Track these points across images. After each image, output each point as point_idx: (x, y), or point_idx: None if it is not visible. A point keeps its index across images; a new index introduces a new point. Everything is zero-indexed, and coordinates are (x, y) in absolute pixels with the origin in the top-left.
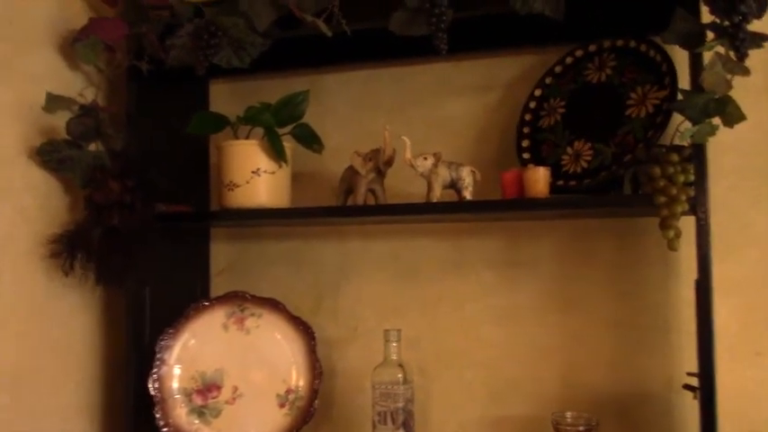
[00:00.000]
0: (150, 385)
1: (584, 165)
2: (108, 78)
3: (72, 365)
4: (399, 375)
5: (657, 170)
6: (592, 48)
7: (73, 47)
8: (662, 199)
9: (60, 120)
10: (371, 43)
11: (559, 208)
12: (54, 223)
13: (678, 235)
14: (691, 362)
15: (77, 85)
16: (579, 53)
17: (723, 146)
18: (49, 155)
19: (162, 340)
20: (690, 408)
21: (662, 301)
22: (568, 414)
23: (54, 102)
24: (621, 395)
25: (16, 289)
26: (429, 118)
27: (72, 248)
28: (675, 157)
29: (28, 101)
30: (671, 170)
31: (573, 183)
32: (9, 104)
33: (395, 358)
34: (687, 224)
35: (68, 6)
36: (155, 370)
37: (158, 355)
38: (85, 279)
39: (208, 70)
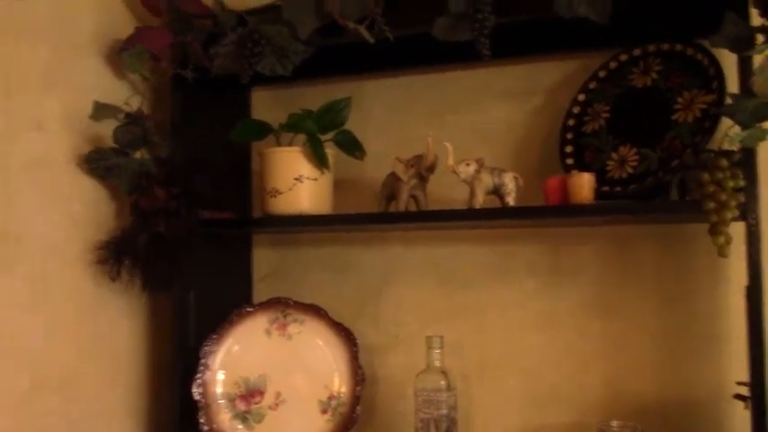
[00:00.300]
0: (195, 390)
1: (630, 170)
2: (153, 87)
3: (119, 370)
4: (442, 382)
5: (706, 176)
6: (637, 52)
7: (119, 56)
8: (711, 205)
9: (107, 128)
10: (412, 49)
11: (605, 214)
12: (101, 230)
13: (729, 241)
14: (741, 371)
15: (123, 94)
16: (624, 57)
17: None
18: (97, 162)
19: (206, 345)
20: (740, 418)
21: (710, 308)
22: (614, 423)
23: (101, 110)
24: (668, 404)
25: (65, 294)
26: (470, 124)
27: (119, 254)
28: (725, 162)
29: (76, 110)
30: (720, 175)
31: (618, 189)
32: (58, 113)
33: (438, 365)
34: (737, 230)
35: (115, 17)
36: (199, 375)
37: (202, 361)
38: (132, 285)
39: (250, 78)
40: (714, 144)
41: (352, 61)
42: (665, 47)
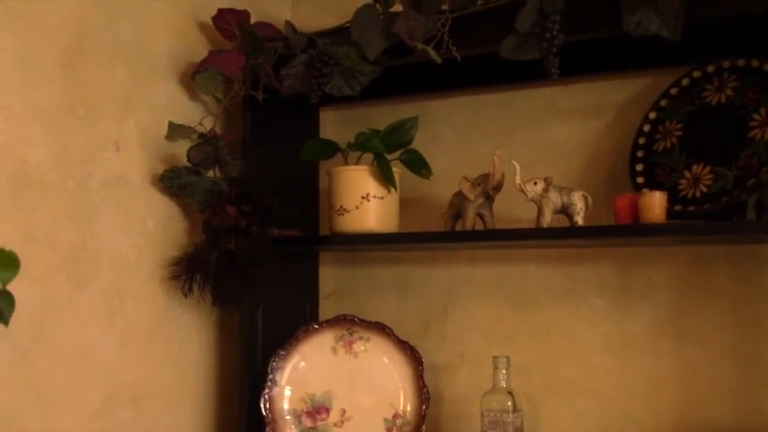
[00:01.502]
0: (261, 405)
1: (704, 189)
2: (225, 108)
3: (189, 383)
4: (509, 403)
5: None
6: (710, 69)
7: (193, 78)
8: None
9: (181, 148)
10: (478, 69)
11: (679, 234)
12: (174, 246)
13: None
14: None
15: (196, 115)
16: (697, 74)
17: None
18: (171, 181)
19: (273, 361)
20: None
21: None
22: None
23: (175, 131)
24: (742, 430)
25: (139, 309)
26: (537, 142)
27: (191, 271)
28: None
29: (151, 130)
30: None
31: (691, 208)
32: (134, 134)
33: (504, 385)
34: None
35: (189, 40)
36: (266, 390)
37: (270, 376)
38: (203, 300)
39: (319, 98)
40: None
41: (419, 81)
42: (741, 63)
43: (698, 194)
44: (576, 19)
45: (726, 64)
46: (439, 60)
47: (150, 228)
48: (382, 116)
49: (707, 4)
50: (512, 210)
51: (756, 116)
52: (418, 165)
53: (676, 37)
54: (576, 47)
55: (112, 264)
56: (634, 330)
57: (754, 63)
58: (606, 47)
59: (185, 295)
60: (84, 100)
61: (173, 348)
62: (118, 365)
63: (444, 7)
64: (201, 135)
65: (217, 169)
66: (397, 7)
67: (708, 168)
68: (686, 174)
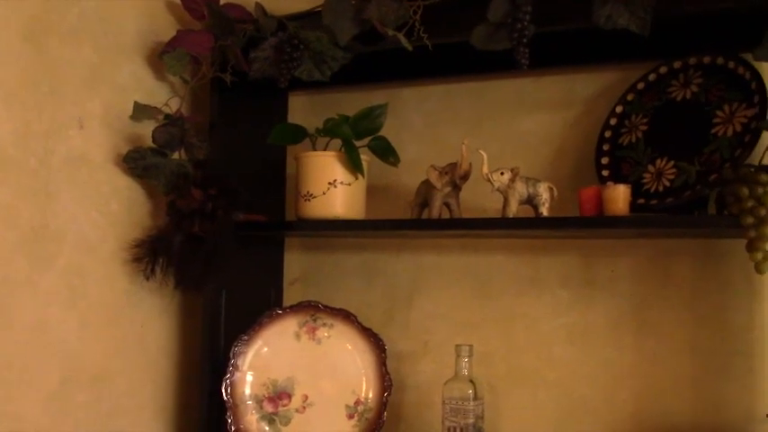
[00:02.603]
0: (223, 390)
1: (667, 183)
2: (193, 89)
3: (149, 367)
4: (470, 391)
5: (745, 190)
6: (677, 64)
7: (160, 58)
8: (750, 220)
9: (146, 128)
10: (449, 57)
11: (641, 227)
12: (137, 228)
13: (766, 258)
14: None
15: (163, 96)
16: (663, 70)
17: None
18: (135, 162)
19: (236, 346)
20: None
21: (745, 325)
22: None
23: (141, 111)
24: (699, 422)
25: (100, 291)
26: (506, 133)
27: (154, 253)
28: (765, 178)
29: (117, 110)
30: (760, 191)
31: (654, 201)
32: (99, 113)
33: (466, 374)
34: None
35: (157, 19)
36: (228, 375)
37: (232, 361)
38: (165, 284)
39: (288, 82)
40: (754, 159)
41: (390, 68)
42: (707, 60)
43: (661, 188)
44: (547, 10)
45: (692, 60)
46: (410, 48)
47: (113, 208)
48: (352, 102)
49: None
50: (479, 199)
51: (720, 113)
52: (386, 152)
53: (645, 31)
54: (546, 38)
55: (74, 244)
56: (596, 322)
57: (719, 61)
58: (577, 39)
59: (147, 278)
60: (48, 76)
61: (134, 331)
62: (77, 347)
63: None
64: (168, 116)
65: (183, 151)
66: None
67: (671, 163)
68: (650, 168)
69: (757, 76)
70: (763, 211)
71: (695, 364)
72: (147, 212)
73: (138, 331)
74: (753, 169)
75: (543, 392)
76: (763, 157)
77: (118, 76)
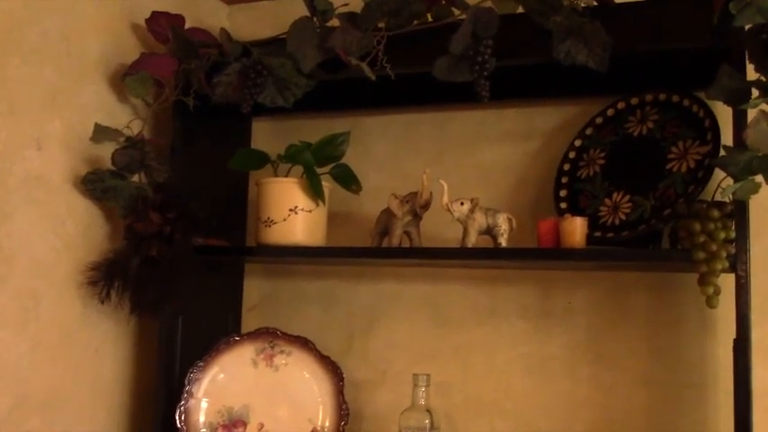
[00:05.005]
0: (177, 417)
1: (623, 217)
2: (155, 112)
3: (102, 392)
4: (426, 421)
5: (698, 225)
6: (634, 101)
7: (123, 80)
8: (701, 255)
9: (106, 150)
10: (413, 88)
11: (596, 259)
12: (94, 251)
13: (717, 292)
14: (727, 421)
15: (124, 118)
16: (621, 105)
17: (765, 203)
18: (93, 184)
19: (191, 373)
20: None
21: (698, 358)
22: None
23: (101, 132)
24: None
25: (53, 314)
26: (467, 164)
27: (109, 277)
28: (716, 213)
29: (77, 131)
30: (711, 226)
31: (610, 234)
32: (58, 134)
33: (423, 403)
34: (726, 282)
35: (121, 41)
36: (182, 402)
37: (187, 388)
38: (120, 308)
39: (251, 108)
40: (707, 195)
41: (353, 97)
42: (662, 97)
43: (617, 222)
44: (508, 45)
45: (648, 97)
46: (373, 77)
47: (69, 230)
48: (315, 129)
49: (632, 38)
50: (439, 229)
51: (674, 149)
52: (348, 180)
53: (603, 68)
54: (508, 72)
55: (28, 265)
56: (553, 353)
57: (675, 98)
58: (537, 74)
59: (102, 302)
60: (7, 96)
61: (87, 356)
62: (28, 371)
63: (381, 25)
64: (128, 138)
65: (143, 174)
66: (334, 22)
67: (627, 197)
68: (607, 201)
69: (710, 114)
70: (714, 247)
71: (650, 396)
72: (104, 235)
73: (91, 356)
74: (705, 205)
75: (500, 423)
76: (715, 194)
77: (79, 97)
